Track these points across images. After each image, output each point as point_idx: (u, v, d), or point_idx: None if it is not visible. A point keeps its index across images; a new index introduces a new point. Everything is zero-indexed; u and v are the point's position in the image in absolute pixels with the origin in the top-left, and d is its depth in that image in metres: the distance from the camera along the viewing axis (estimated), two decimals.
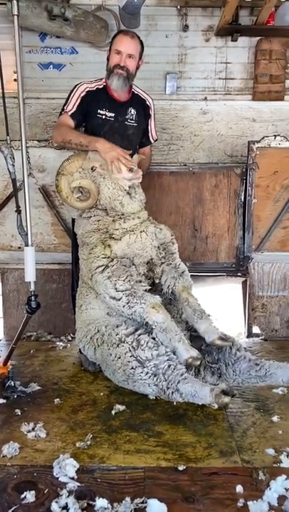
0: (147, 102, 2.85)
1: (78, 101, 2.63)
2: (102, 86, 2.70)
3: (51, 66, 3.61)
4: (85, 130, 2.73)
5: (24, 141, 2.34)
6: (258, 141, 3.23)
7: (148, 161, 3.02)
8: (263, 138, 3.24)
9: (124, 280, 2.31)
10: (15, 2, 2.21)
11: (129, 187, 2.54)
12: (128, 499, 1.51)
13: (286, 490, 1.56)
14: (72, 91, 2.68)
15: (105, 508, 1.47)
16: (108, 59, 2.68)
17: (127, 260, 2.44)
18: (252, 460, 1.77)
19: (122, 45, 2.59)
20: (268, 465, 1.73)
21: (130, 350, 2.18)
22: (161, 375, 2.09)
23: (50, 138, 3.36)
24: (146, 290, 2.35)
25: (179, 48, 3.62)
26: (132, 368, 2.16)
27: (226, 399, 1.95)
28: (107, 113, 2.68)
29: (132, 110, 2.75)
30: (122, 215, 2.52)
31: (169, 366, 2.10)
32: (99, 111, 2.67)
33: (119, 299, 2.30)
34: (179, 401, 2.09)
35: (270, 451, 1.82)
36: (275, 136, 3.24)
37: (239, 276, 3.35)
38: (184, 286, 2.47)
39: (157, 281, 2.52)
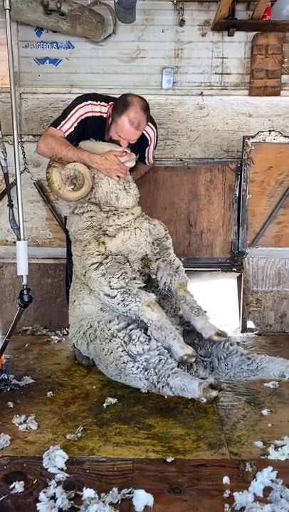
0: (146, 135, 2.72)
1: (76, 122, 2.52)
2: (105, 115, 2.58)
3: (47, 61, 3.60)
4: None
5: (16, 136, 2.34)
6: (252, 137, 3.24)
7: (146, 167, 3.04)
8: (257, 133, 3.25)
9: (118, 278, 2.31)
10: None
11: (124, 181, 2.54)
12: (115, 489, 1.53)
13: (272, 481, 1.58)
14: (74, 106, 2.54)
15: (92, 498, 1.49)
16: (112, 118, 2.51)
17: (122, 257, 2.44)
18: (240, 452, 1.79)
19: (126, 134, 2.48)
20: (256, 457, 1.75)
21: (122, 345, 2.20)
22: (152, 370, 2.11)
23: None
24: (141, 287, 2.36)
25: (175, 43, 3.61)
26: (124, 363, 2.18)
27: (214, 393, 1.96)
28: None
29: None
30: (116, 210, 2.52)
31: (160, 361, 2.12)
32: (92, 140, 2.58)
33: (113, 297, 2.30)
34: (169, 395, 2.10)
35: (259, 444, 1.84)
36: (270, 131, 3.24)
37: (234, 271, 3.36)
38: (180, 283, 2.48)
39: (153, 277, 2.53)
